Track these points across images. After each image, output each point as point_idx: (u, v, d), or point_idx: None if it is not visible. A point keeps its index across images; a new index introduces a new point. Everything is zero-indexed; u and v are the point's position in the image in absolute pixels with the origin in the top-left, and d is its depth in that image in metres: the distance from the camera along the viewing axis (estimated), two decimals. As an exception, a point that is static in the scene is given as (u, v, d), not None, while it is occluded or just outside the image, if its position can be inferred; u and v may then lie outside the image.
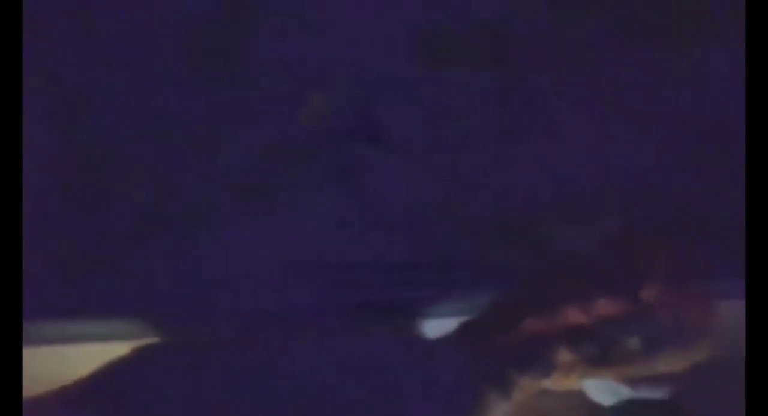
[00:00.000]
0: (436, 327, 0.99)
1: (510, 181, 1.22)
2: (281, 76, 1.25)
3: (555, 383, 0.90)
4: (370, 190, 1.20)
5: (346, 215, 1.18)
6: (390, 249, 1.17)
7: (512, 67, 1.28)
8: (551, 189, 1.22)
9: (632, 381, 0.93)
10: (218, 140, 1.22)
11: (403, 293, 1.11)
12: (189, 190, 1.19)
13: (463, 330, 0.94)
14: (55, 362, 0.98)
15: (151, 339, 0.96)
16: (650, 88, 1.28)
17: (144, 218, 1.17)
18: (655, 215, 1.19)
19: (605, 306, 0.88)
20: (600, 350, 0.88)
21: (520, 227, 1.18)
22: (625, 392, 0.93)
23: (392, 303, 1.08)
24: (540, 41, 1.29)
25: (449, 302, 1.05)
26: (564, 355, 0.88)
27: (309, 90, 1.24)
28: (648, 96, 1.27)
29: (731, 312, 0.89)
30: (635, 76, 1.28)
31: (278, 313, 1.09)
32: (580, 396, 0.96)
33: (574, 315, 0.88)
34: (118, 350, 0.90)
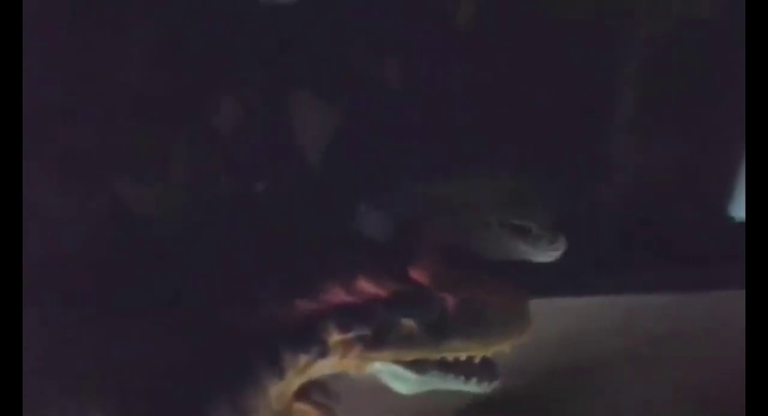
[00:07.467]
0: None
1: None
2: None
3: (337, 365, 0.88)
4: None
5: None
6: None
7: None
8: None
9: (422, 367, 0.90)
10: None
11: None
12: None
13: None
14: None
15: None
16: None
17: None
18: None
19: (372, 286, 0.86)
20: (374, 332, 0.86)
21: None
22: (413, 378, 0.90)
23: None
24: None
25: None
26: (335, 336, 0.85)
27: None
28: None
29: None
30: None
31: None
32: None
33: (340, 295, 0.85)
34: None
